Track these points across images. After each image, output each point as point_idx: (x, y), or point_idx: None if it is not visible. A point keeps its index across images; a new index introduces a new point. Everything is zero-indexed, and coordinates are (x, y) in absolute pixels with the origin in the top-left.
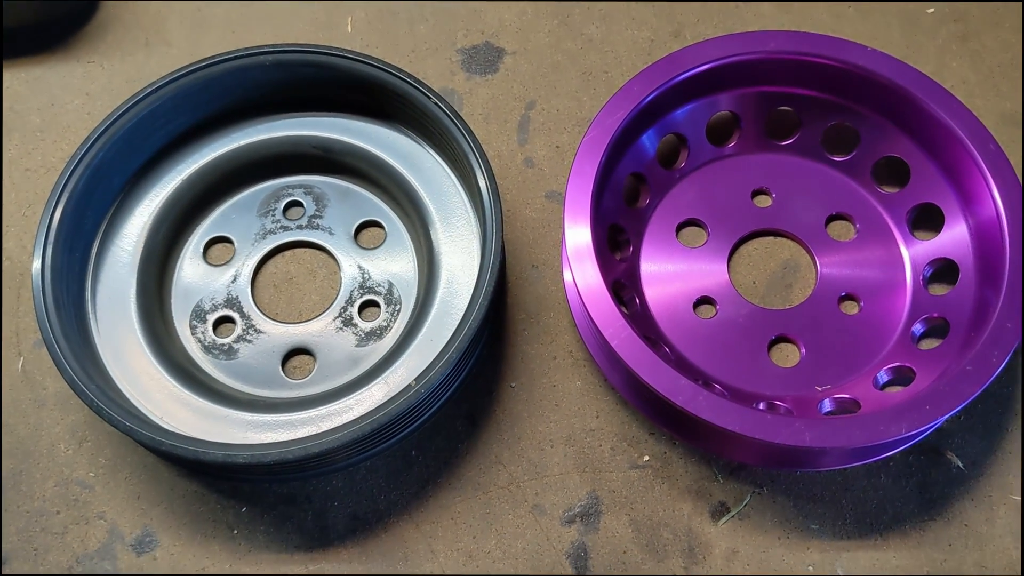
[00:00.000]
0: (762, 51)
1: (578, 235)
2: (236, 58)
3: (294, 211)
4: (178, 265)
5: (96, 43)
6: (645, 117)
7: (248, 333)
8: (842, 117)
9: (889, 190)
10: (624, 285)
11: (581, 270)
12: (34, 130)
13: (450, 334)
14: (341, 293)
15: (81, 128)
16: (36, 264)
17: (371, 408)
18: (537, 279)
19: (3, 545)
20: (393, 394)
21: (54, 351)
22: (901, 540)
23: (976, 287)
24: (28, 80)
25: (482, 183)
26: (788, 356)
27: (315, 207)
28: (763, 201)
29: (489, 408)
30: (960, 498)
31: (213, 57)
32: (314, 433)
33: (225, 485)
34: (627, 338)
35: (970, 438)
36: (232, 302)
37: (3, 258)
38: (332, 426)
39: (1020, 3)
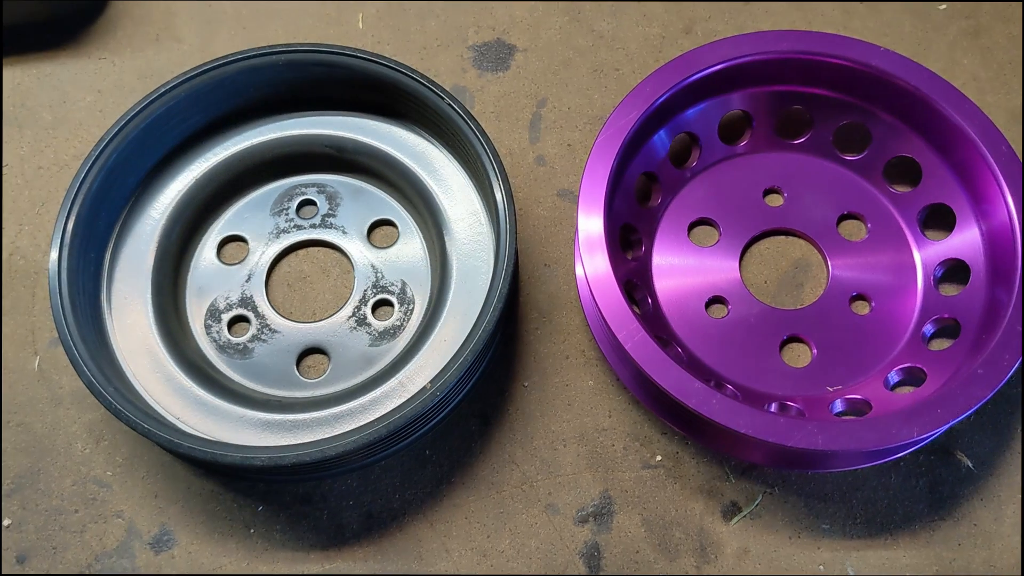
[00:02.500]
0: (775, 51)
1: (591, 225)
2: (249, 58)
3: (307, 210)
4: (192, 264)
5: (106, 39)
6: (658, 117)
7: (263, 332)
8: (854, 116)
9: (901, 190)
10: (636, 284)
11: (592, 263)
12: (46, 127)
13: (464, 334)
14: (354, 292)
15: (92, 124)
16: (52, 265)
17: (386, 409)
18: (549, 277)
19: (24, 543)
20: (408, 395)
21: (71, 352)
22: (911, 539)
23: (987, 288)
24: (39, 76)
25: (497, 190)
26: (799, 356)
27: (328, 206)
28: (775, 200)
29: (502, 407)
30: (969, 497)
31: (226, 57)
32: (330, 435)
33: (241, 484)
34: (640, 340)
35: (979, 438)
36: (246, 301)
37: (17, 257)
38: (348, 426)
39: None
